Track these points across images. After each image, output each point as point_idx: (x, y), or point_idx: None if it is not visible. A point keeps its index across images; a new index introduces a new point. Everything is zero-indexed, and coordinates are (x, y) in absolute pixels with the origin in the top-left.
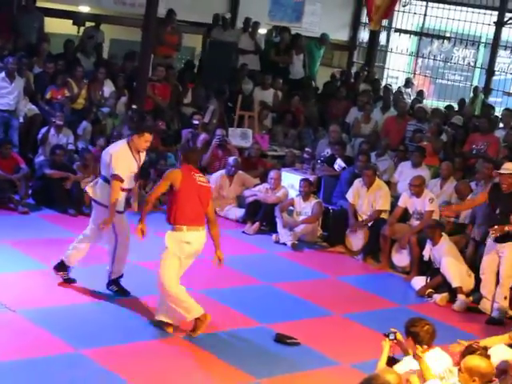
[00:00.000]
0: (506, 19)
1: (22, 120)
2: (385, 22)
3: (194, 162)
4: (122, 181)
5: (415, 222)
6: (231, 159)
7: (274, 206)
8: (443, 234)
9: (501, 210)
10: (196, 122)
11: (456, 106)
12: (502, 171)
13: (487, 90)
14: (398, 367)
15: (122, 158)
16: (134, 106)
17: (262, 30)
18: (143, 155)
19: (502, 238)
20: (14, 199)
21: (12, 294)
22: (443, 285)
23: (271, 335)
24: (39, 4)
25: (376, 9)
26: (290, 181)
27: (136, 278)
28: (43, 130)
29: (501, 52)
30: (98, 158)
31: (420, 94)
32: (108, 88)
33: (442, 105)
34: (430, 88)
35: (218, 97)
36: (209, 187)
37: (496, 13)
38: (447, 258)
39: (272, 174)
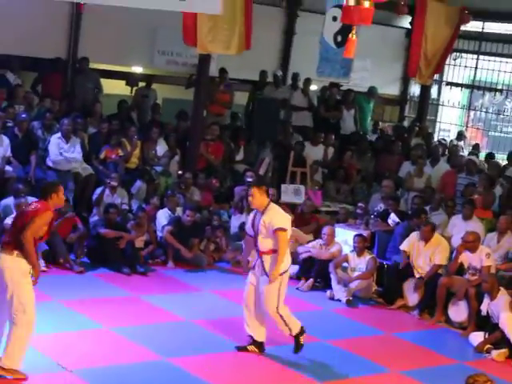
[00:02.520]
0: None
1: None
2: (436, 76)
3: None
4: None
5: (471, 278)
6: None
7: (327, 262)
8: (501, 288)
9: None
10: (249, 180)
11: None
12: None
13: None
14: None
15: None
16: (179, 172)
17: (313, 87)
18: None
19: None
20: (70, 259)
21: (69, 354)
22: (502, 340)
23: None
24: (93, 66)
25: (427, 63)
26: (344, 236)
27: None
28: (98, 191)
29: None
30: (151, 217)
31: (475, 147)
32: (161, 147)
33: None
34: (483, 140)
35: (273, 150)
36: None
37: None
38: (506, 313)
39: (325, 229)
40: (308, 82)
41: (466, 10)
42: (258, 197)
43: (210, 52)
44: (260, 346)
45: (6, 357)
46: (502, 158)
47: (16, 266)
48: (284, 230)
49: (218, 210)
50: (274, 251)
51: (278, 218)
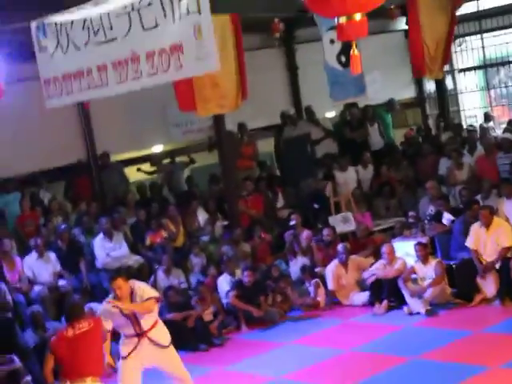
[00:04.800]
0: None
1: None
2: (446, 67)
3: (72, 317)
4: None
5: None
6: (340, 247)
7: (396, 280)
8: None
9: None
10: (293, 222)
11: None
12: None
13: None
14: None
15: None
16: (224, 223)
17: (331, 113)
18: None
19: None
20: None
21: None
22: None
23: None
24: (115, 158)
25: (432, 57)
26: (404, 249)
27: None
28: (151, 279)
29: None
30: (213, 287)
31: (510, 123)
32: (202, 216)
33: None
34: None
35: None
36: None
37: None
38: None
39: (384, 248)
40: (311, 112)
41: None
42: (125, 287)
43: (211, 114)
44: None
45: None
46: None
47: None
48: (156, 298)
49: (273, 262)
50: (157, 321)
51: (147, 288)
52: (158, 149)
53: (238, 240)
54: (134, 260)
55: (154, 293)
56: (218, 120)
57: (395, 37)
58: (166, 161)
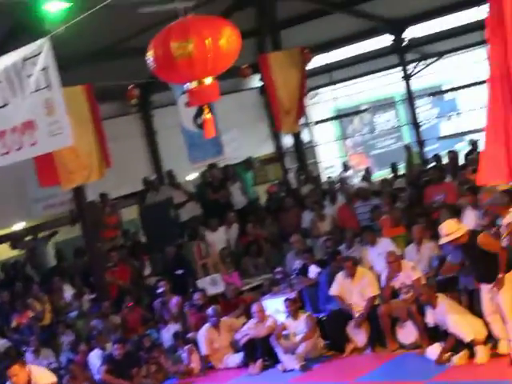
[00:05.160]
0: (409, 72)
1: None
2: (302, 120)
3: None
4: None
5: (407, 296)
6: (210, 310)
7: (268, 338)
8: (438, 294)
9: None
10: (161, 290)
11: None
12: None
13: (420, 141)
14: None
15: None
16: (92, 296)
17: (193, 175)
18: None
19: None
20: None
21: None
22: (458, 344)
23: None
24: None
25: (287, 112)
26: (274, 306)
27: None
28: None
29: (418, 102)
30: (84, 365)
31: (366, 171)
32: (68, 292)
33: (384, 174)
34: (368, 162)
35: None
36: None
37: (400, 68)
38: (451, 315)
39: (254, 307)
40: (171, 176)
41: (305, 49)
42: (21, 374)
43: (76, 185)
44: None
45: None
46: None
47: None
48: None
49: (145, 332)
50: None
51: (43, 374)
52: (19, 226)
53: (106, 313)
54: (0, 344)
55: (50, 378)
56: (79, 192)
57: (250, 94)
58: (28, 238)
